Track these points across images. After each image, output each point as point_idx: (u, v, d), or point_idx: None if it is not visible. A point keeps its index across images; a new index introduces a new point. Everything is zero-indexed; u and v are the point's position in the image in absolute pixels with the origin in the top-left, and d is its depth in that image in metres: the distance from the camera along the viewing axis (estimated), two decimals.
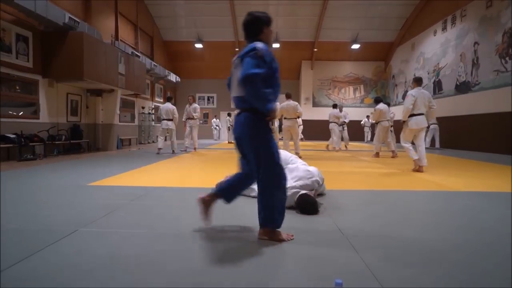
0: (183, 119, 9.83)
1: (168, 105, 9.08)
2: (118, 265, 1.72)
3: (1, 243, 1.97)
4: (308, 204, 2.79)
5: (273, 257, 1.85)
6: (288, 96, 8.06)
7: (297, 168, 3.24)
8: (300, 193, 2.88)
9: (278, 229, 2.14)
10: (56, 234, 2.16)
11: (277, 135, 8.35)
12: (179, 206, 3.10)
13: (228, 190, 2.34)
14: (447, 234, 2.29)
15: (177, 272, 1.64)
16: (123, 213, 2.74)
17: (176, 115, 9.16)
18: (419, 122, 5.48)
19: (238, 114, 2.21)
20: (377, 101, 8.93)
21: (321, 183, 3.23)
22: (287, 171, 2.99)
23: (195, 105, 9.65)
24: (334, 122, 10.43)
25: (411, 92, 5.57)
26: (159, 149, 8.97)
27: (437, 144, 11.87)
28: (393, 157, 8.29)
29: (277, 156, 2.12)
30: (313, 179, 3.08)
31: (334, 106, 10.93)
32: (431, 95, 5.77)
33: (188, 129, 9.72)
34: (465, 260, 1.82)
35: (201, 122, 20.45)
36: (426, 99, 5.56)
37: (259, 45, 2.04)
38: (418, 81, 5.77)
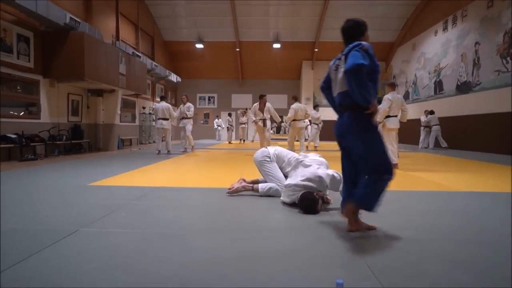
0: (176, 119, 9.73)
1: (163, 103, 9.02)
2: (119, 265, 1.72)
3: (1, 243, 1.97)
4: (306, 200, 2.79)
5: (273, 257, 1.85)
6: (295, 99, 8.43)
7: (310, 168, 3.14)
8: (303, 191, 2.87)
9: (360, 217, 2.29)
10: (56, 234, 2.16)
11: (263, 137, 8.31)
12: (179, 206, 3.10)
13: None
14: (447, 234, 2.29)
15: (177, 272, 1.64)
16: (124, 213, 2.74)
17: (173, 113, 9.18)
18: (394, 122, 6.03)
19: (341, 115, 2.33)
20: (380, 102, 9.08)
21: (327, 186, 3.04)
22: (300, 168, 3.05)
23: (189, 104, 9.61)
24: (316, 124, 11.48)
25: (388, 96, 6.04)
26: (159, 150, 8.97)
27: (443, 144, 11.79)
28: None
29: (383, 151, 2.21)
30: (319, 181, 2.95)
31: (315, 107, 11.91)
32: (403, 99, 6.34)
33: (183, 131, 9.73)
34: (465, 260, 1.82)
35: (202, 122, 20.50)
36: (400, 102, 6.08)
37: (363, 42, 2.19)
38: (392, 86, 6.26)
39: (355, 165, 2.35)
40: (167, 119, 8.98)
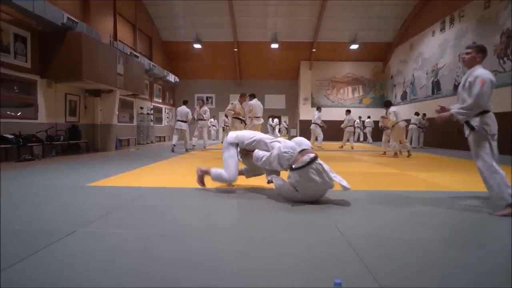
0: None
1: (184, 108, 10.16)
2: (117, 265, 1.71)
3: (0, 244, 1.97)
4: None
5: (271, 257, 1.85)
6: (253, 96, 8.09)
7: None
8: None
9: None
10: (55, 234, 2.15)
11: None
12: (178, 206, 3.09)
13: None
14: (447, 234, 2.30)
15: (176, 273, 1.64)
16: (122, 214, 2.73)
17: (190, 116, 10.31)
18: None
19: None
20: (388, 104, 8.95)
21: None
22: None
23: (205, 108, 10.93)
24: (316, 124, 12.05)
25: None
26: (173, 145, 9.85)
27: (415, 144, 12.70)
28: (408, 156, 8.57)
29: None
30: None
31: (318, 109, 12.53)
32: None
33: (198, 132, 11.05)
34: (464, 260, 1.82)
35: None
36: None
37: None
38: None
39: None
40: (185, 121, 10.12)
